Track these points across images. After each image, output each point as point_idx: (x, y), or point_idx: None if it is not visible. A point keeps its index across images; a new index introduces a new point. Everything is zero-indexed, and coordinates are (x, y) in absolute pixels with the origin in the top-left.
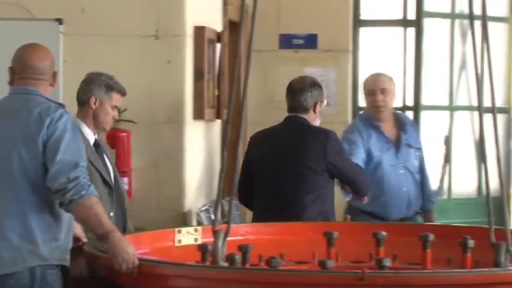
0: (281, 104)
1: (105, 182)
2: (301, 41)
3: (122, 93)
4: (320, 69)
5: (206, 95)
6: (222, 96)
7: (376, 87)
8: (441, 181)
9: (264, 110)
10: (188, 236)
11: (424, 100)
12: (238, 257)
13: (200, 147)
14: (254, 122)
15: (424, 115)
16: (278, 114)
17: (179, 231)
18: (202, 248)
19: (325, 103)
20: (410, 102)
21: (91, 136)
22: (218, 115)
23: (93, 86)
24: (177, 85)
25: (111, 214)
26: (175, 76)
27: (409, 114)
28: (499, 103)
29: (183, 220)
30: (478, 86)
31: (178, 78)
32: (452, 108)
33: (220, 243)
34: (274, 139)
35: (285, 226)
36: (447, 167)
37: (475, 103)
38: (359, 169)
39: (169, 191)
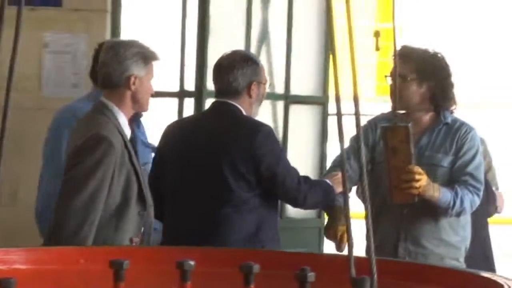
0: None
1: (141, 196)
2: None
3: (157, 58)
4: (67, 35)
5: None
6: None
7: None
8: None
9: None
10: None
11: (211, 84)
12: None
13: None
14: None
15: (210, 103)
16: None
17: None
18: None
19: (267, 85)
20: (190, 86)
21: (127, 128)
22: None
23: (128, 62)
24: None
25: (136, 240)
26: None
27: (190, 102)
28: (309, 91)
29: None
30: (354, 73)
31: None
32: None
33: None
34: (189, 132)
35: (48, 251)
36: None
37: (278, 90)
38: (300, 185)
39: None
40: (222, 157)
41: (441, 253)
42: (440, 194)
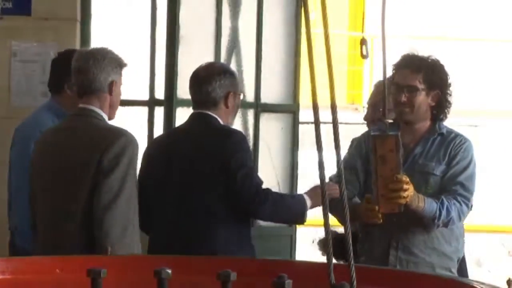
0: None
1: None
2: (8, 4)
3: (126, 64)
4: (35, 44)
5: None
6: None
7: None
8: None
9: None
10: None
11: (181, 92)
12: None
13: None
14: None
15: (180, 112)
16: None
17: None
18: None
19: (241, 96)
20: (160, 95)
21: None
22: None
23: (109, 68)
24: None
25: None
26: None
27: (159, 111)
28: (279, 99)
29: None
30: (331, 81)
31: None
32: None
33: None
34: (171, 145)
35: (24, 261)
36: None
37: (248, 98)
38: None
39: None
40: (203, 168)
41: (433, 262)
42: (426, 204)
